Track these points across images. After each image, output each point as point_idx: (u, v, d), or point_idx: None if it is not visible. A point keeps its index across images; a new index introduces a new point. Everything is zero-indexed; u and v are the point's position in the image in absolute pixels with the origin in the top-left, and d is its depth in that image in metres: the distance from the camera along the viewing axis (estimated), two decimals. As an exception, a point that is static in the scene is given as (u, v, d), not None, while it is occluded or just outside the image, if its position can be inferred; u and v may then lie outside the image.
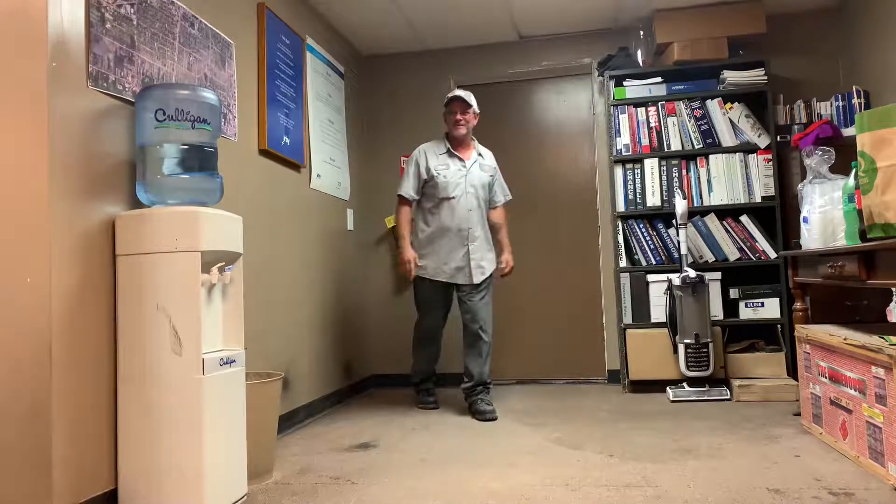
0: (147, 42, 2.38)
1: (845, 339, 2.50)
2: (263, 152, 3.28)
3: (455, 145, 3.70)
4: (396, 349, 4.71)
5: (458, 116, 3.63)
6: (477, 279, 3.61)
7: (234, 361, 2.25)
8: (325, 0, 3.94)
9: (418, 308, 3.75)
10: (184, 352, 2.07)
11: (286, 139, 3.49)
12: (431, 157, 3.69)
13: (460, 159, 3.67)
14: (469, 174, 3.65)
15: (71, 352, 1.99)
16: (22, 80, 1.96)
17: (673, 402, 3.73)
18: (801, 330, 2.99)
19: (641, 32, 4.36)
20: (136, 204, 2.27)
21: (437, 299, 3.67)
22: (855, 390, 2.46)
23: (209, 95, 2.28)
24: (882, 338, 2.38)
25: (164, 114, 2.16)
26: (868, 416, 2.35)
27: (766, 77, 4.03)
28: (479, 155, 3.74)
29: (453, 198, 3.60)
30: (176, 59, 2.56)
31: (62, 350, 1.96)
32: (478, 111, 3.72)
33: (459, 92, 3.66)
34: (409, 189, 3.68)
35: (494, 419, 3.44)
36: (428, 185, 3.65)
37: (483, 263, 3.63)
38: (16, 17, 1.97)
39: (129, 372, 2.12)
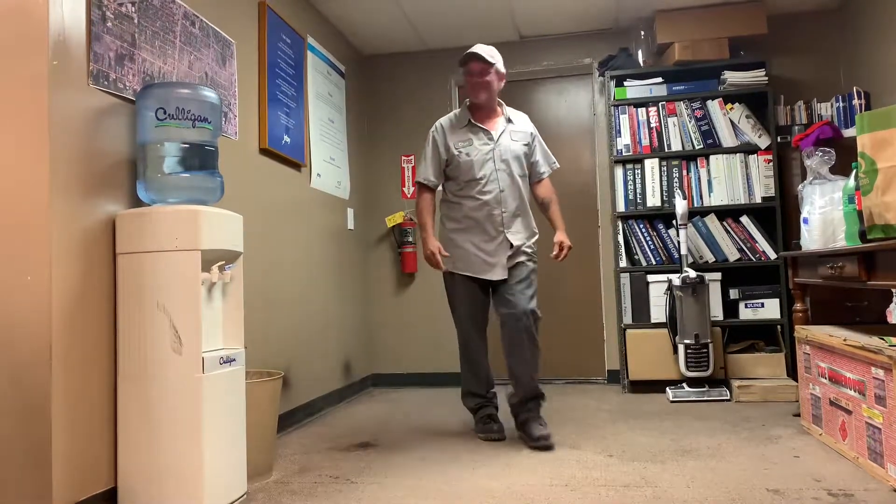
0: (148, 40, 2.38)
1: (845, 339, 2.51)
2: (264, 151, 3.28)
3: (478, 115, 3.11)
4: (396, 348, 4.71)
5: (477, 78, 3.03)
6: (517, 260, 3.05)
7: (234, 360, 2.26)
8: (326, -1, 3.94)
9: (453, 312, 3.17)
10: (184, 350, 2.07)
11: (287, 138, 3.49)
12: (450, 132, 3.10)
13: (485, 131, 3.07)
14: (498, 147, 3.04)
15: (71, 350, 1.99)
16: (23, 78, 1.96)
17: (672, 402, 3.73)
18: (801, 331, 2.99)
19: (642, 33, 4.36)
20: (137, 202, 2.27)
21: (471, 299, 3.08)
22: (855, 391, 2.46)
23: (210, 94, 2.28)
24: (882, 339, 2.38)
25: (165, 112, 2.16)
26: (868, 416, 2.35)
27: (766, 78, 4.03)
28: (509, 121, 3.12)
29: (481, 178, 3.01)
30: (177, 57, 2.56)
31: (62, 348, 1.96)
32: (502, 70, 3.08)
33: (478, 48, 3.03)
34: (426, 173, 3.12)
35: (550, 448, 2.79)
36: (449, 167, 3.09)
37: (525, 250, 3.06)
38: (17, 15, 1.97)
39: (129, 370, 2.12)
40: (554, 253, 3.10)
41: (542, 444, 2.78)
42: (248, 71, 3.16)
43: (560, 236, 3.13)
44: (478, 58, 3.01)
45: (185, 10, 2.62)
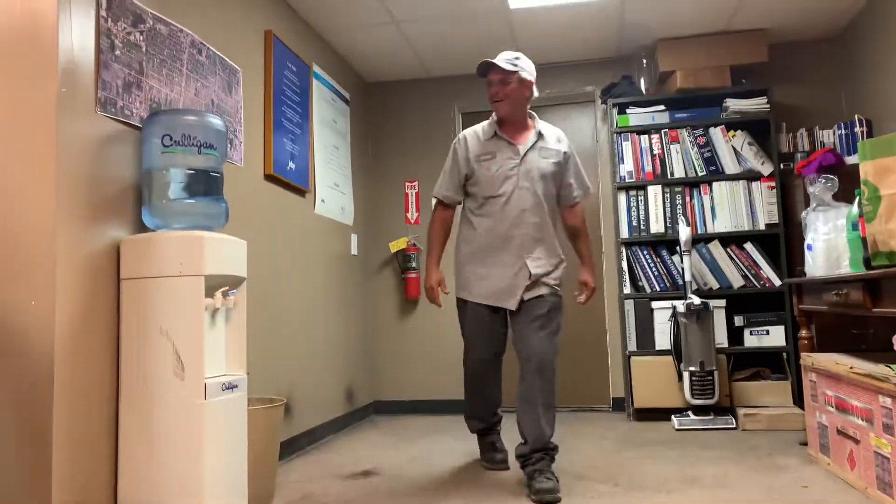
0: (155, 68, 2.41)
1: (851, 367, 2.48)
2: (269, 177, 3.30)
3: (506, 128, 2.83)
4: (398, 375, 4.69)
5: (495, 89, 2.77)
6: (537, 292, 2.74)
7: (237, 386, 2.24)
8: (331, 28, 3.99)
9: (464, 340, 2.92)
10: (186, 376, 2.06)
11: (291, 164, 3.51)
12: (474, 144, 2.83)
13: (511, 145, 2.79)
14: (525, 163, 2.76)
15: (73, 375, 1.98)
16: (31, 105, 1.98)
17: (678, 430, 3.69)
18: (807, 358, 2.97)
19: (644, 61, 4.40)
20: (142, 228, 2.28)
21: (484, 330, 2.81)
22: (862, 420, 2.43)
23: (216, 121, 2.30)
24: (889, 367, 2.36)
25: (171, 139, 2.18)
26: (876, 446, 2.32)
27: (768, 105, 4.06)
28: (540, 136, 2.83)
29: (500, 195, 2.74)
30: (184, 85, 2.58)
31: (65, 373, 1.95)
32: (528, 77, 2.77)
33: (501, 55, 2.78)
34: (443, 188, 2.89)
35: (557, 501, 2.44)
36: (469, 183, 2.84)
37: (547, 281, 2.75)
38: (27, 42, 2.00)
39: (131, 395, 2.11)
40: (576, 294, 2.93)
41: (547, 499, 2.43)
42: (253, 98, 3.19)
43: (585, 275, 2.89)
44: (494, 67, 2.74)
45: (192, 38, 2.66)
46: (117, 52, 2.21)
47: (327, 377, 3.90)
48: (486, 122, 2.89)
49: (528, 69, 2.78)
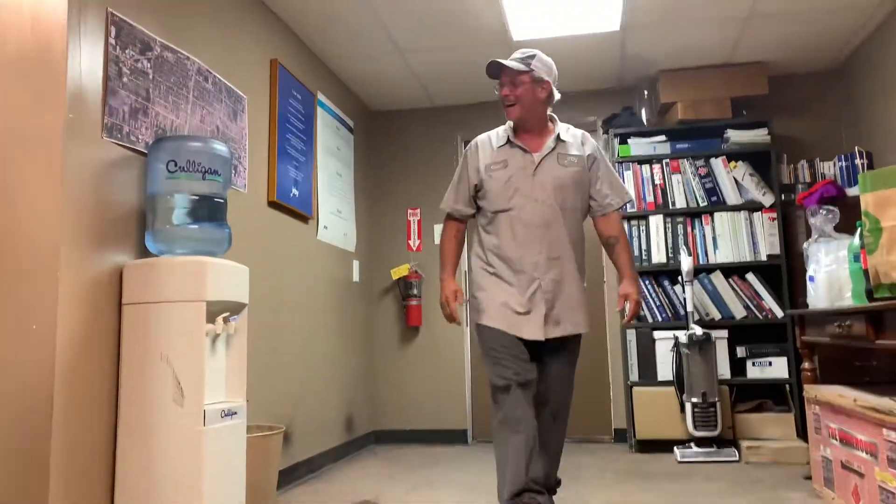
0: (162, 95, 2.44)
1: (855, 400, 2.47)
2: (272, 203, 3.31)
3: (522, 133, 2.51)
4: (399, 404, 4.65)
5: (505, 91, 2.46)
6: (551, 333, 2.38)
7: (236, 413, 2.23)
8: (336, 57, 4.04)
9: (488, 369, 2.42)
10: (185, 403, 2.05)
11: (295, 191, 3.53)
12: (485, 152, 2.52)
13: (525, 152, 2.46)
14: (540, 172, 2.43)
15: (72, 401, 1.97)
16: (39, 130, 2.00)
17: (681, 462, 3.65)
18: (811, 390, 2.94)
19: (645, 92, 4.45)
20: (145, 253, 2.28)
21: (508, 346, 2.37)
22: (866, 453, 2.40)
23: (220, 147, 2.32)
24: (893, 399, 2.34)
25: (176, 165, 2.20)
26: (881, 480, 2.29)
27: (769, 137, 4.08)
28: (559, 140, 2.49)
29: (510, 210, 2.42)
30: (189, 111, 2.61)
31: (64, 399, 1.94)
32: (544, 76, 2.45)
33: (515, 54, 2.49)
34: (451, 201, 2.59)
35: None
36: (480, 194, 2.53)
37: (564, 311, 2.41)
38: (36, 68, 2.03)
39: (130, 422, 2.10)
40: (619, 308, 2.55)
41: None
42: (258, 125, 3.22)
43: (627, 287, 2.51)
44: (502, 67, 2.44)
45: (198, 66, 2.69)
46: (125, 79, 2.24)
47: (327, 405, 3.88)
48: (501, 128, 2.57)
49: (543, 67, 2.45)
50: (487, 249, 2.49)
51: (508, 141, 2.50)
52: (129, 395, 2.11)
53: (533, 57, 2.45)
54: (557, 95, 2.53)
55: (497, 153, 2.50)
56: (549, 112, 2.55)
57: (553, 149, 2.48)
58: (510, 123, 2.53)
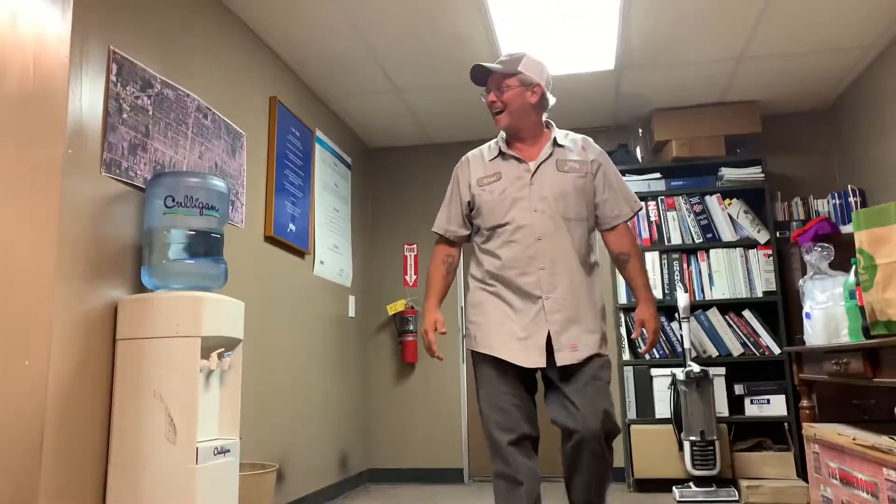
0: (161, 131, 2.46)
1: (854, 439, 2.44)
2: (269, 239, 3.32)
3: (516, 143, 2.30)
4: (394, 442, 4.60)
5: (491, 98, 2.25)
6: (559, 360, 2.12)
7: (229, 451, 2.20)
8: (335, 96, 4.09)
9: (480, 407, 2.21)
10: (178, 440, 2.02)
11: (292, 226, 3.54)
12: (477, 166, 2.32)
13: (519, 161, 2.25)
14: (538, 178, 2.21)
15: (62, 438, 1.95)
16: (38, 165, 2.01)
17: (679, 502, 3.60)
18: (809, 429, 2.92)
19: (640, 130, 4.50)
20: (141, 288, 2.28)
21: (502, 390, 2.16)
22: (867, 493, 2.37)
23: (218, 183, 2.33)
24: (892, 438, 2.32)
25: (174, 200, 2.20)
26: (882, 521, 2.26)
27: (763, 174, 4.12)
28: (556, 144, 2.27)
29: (507, 224, 2.20)
30: (188, 148, 2.63)
31: (54, 436, 1.92)
32: (534, 78, 2.22)
33: (498, 60, 2.27)
34: (442, 221, 2.38)
35: None
36: (474, 212, 2.31)
37: (574, 333, 2.14)
38: (37, 103, 2.05)
39: (121, 459, 2.07)
40: (634, 335, 2.28)
41: None
42: (257, 161, 3.24)
43: (643, 311, 2.24)
44: (477, 78, 2.26)
45: (198, 102, 2.72)
46: (125, 116, 2.26)
47: (321, 442, 3.83)
48: (493, 140, 2.37)
49: (533, 69, 2.23)
50: (485, 270, 2.25)
51: (501, 153, 2.29)
52: (120, 432, 2.08)
53: (521, 59, 2.23)
54: (552, 100, 2.30)
55: (489, 166, 2.29)
56: (544, 118, 2.33)
57: (550, 154, 2.25)
58: (502, 134, 2.33)
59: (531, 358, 2.13)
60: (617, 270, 2.33)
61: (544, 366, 2.13)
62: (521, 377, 2.18)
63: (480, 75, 2.27)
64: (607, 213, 2.30)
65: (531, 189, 2.21)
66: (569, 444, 2.12)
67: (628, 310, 4.17)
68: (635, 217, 2.33)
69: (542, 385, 2.24)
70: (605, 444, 2.10)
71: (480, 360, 2.23)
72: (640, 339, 2.31)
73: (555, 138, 2.28)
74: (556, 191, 2.20)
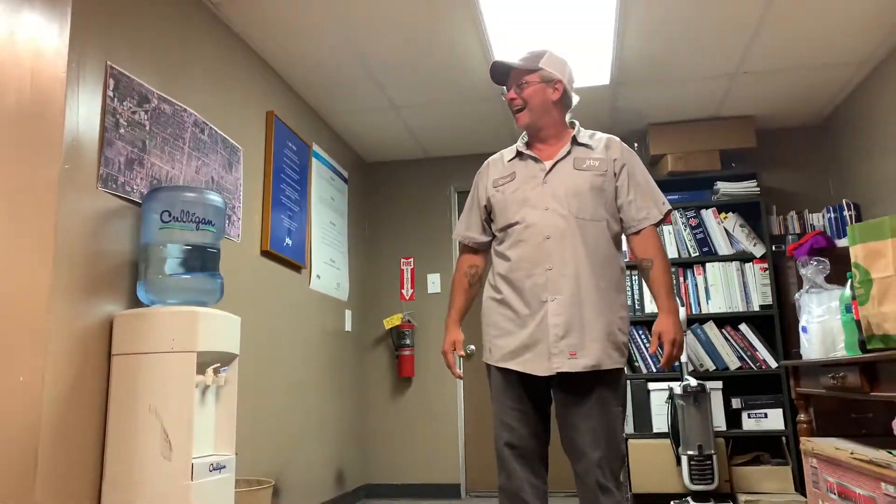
0: (158, 146, 2.46)
1: (852, 453, 2.44)
2: (265, 253, 3.31)
3: (536, 143, 2.22)
4: (391, 457, 4.57)
5: (511, 95, 2.19)
6: (559, 365, 1.99)
7: (224, 467, 2.18)
8: (332, 111, 4.11)
9: (494, 418, 2.15)
10: (173, 456, 2.01)
11: (288, 240, 3.54)
12: (496, 168, 2.26)
13: (535, 160, 2.17)
14: (552, 177, 2.12)
15: (57, 454, 1.93)
16: (35, 181, 2.01)
17: (677, 517, 3.58)
18: (807, 443, 2.91)
19: (636, 144, 4.51)
20: (137, 303, 2.27)
21: (510, 405, 2.08)
22: (866, 508, 2.36)
23: (215, 198, 2.33)
24: (890, 452, 2.32)
25: (170, 215, 2.20)
26: (881, 536, 2.25)
27: (758, 188, 4.14)
28: (576, 143, 2.17)
29: (518, 223, 2.12)
30: (185, 162, 2.63)
31: (49, 452, 1.90)
32: (556, 74, 2.15)
33: (519, 57, 2.19)
34: (461, 227, 2.32)
35: None
36: (491, 216, 2.24)
37: (581, 341, 2.00)
38: (34, 119, 2.05)
39: (116, 476, 2.05)
40: (651, 350, 2.13)
41: None
42: (253, 176, 3.24)
43: (663, 323, 2.06)
44: (497, 75, 2.20)
45: (195, 117, 2.73)
46: (121, 131, 2.27)
47: (317, 458, 3.80)
48: (517, 143, 2.29)
49: (555, 65, 2.16)
50: (497, 274, 2.16)
51: (519, 153, 2.22)
52: (115, 448, 2.07)
53: (543, 55, 2.16)
54: (575, 98, 2.23)
55: (507, 167, 2.22)
56: (568, 118, 2.24)
57: (569, 153, 2.15)
58: (524, 136, 2.25)
59: (538, 365, 2.02)
60: (642, 276, 2.20)
61: (551, 373, 2.01)
62: (530, 389, 2.08)
63: (500, 72, 2.20)
64: (633, 216, 2.14)
65: (543, 188, 2.11)
66: (579, 478, 2.04)
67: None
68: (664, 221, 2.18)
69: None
70: (609, 477, 1.99)
71: (489, 373, 2.17)
72: (657, 354, 2.21)
73: (574, 137, 2.18)
74: (570, 189, 2.09)
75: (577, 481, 2.05)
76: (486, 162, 2.34)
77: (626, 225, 2.16)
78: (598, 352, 2.01)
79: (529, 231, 2.09)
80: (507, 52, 3.43)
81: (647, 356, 4.07)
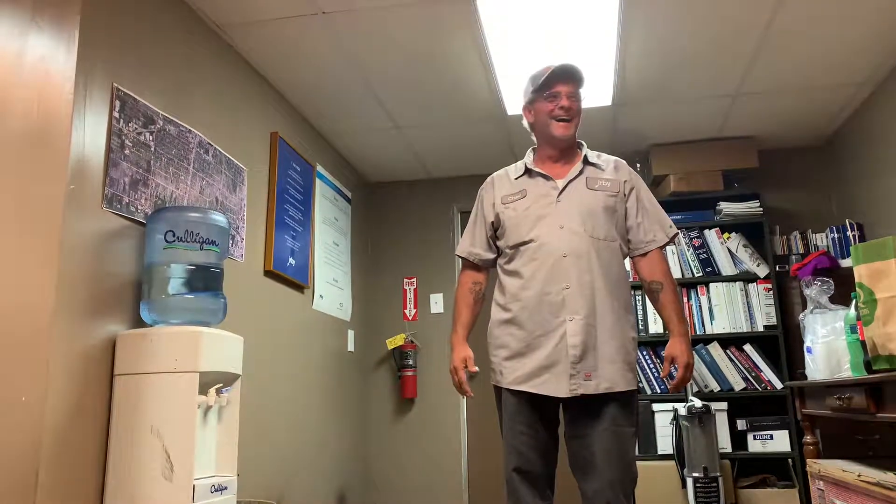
0: (162, 167, 2.48)
1: (859, 475, 2.42)
2: (269, 273, 3.31)
3: (546, 161, 2.24)
4: (394, 480, 4.53)
5: (568, 103, 2.16)
6: (578, 389, 1.99)
7: (226, 489, 2.17)
8: (336, 132, 4.13)
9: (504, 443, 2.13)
10: (175, 477, 2.00)
11: (292, 260, 3.54)
12: (502, 185, 2.27)
13: (546, 178, 2.19)
14: (566, 195, 2.14)
15: (58, 474, 1.92)
16: (40, 201, 2.02)
17: (683, 540, 3.54)
18: (814, 465, 2.89)
19: (638, 164, 4.52)
20: (140, 323, 2.27)
21: (520, 429, 2.06)
22: (874, 531, 2.33)
23: (219, 218, 2.34)
24: (897, 475, 2.29)
25: (174, 235, 2.21)
26: (890, 560, 2.22)
27: (761, 209, 4.14)
28: (587, 163, 2.22)
29: (531, 241, 2.11)
30: (189, 183, 2.65)
31: (50, 472, 1.89)
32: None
33: (575, 69, 2.19)
34: (465, 244, 2.32)
35: None
36: (498, 232, 2.25)
37: (598, 362, 2.01)
38: (41, 141, 2.07)
39: (117, 496, 2.04)
40: (663, 374, 2.15)
41: None
42: (257, 196, 3.25)
43: (674, 347, 2.09)
44: (567, 76, 2.16)
45: (200, 138, 2.74)
46: (126, 152, 2.28)
47: (319, 480, 3.77)
48: (520, 161, 2.31)
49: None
50: (507, 293, 2.14)
51: (527, 170, 2.23)
52: (116, 469, 2.06)
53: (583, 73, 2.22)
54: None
55: (515, 184, 2.23)
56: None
57: (581, 172, 2.18)
58: (529, 154, 2.29)
59: (554, 387, 2.01)
60: (650, 300, 2.22)
61: (565, 395, 2.00)
62: (542, 411, 2.08)
63: (565, 74, 2.18)
64: (640, 238, 2.19)
65: (558, 206, 2.13)
66: (582, 491, 2.04)
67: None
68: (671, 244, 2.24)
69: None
70: (621, 499, 1.98)
71: (499, 396, 2.16)
72: (668, 377, 2.22)
73: (586, 156, 2.22)
74: (585, 208, 2.12)
75: (584, 502, 2.04)
76: (489, 178, 2.36)
77: (632, 247, 2.21)
78: (613, 373, 2.02)
79: (544, 249, 2.08)
80: (510, 73, 3.46)
81: (652, 377, 4.05)
